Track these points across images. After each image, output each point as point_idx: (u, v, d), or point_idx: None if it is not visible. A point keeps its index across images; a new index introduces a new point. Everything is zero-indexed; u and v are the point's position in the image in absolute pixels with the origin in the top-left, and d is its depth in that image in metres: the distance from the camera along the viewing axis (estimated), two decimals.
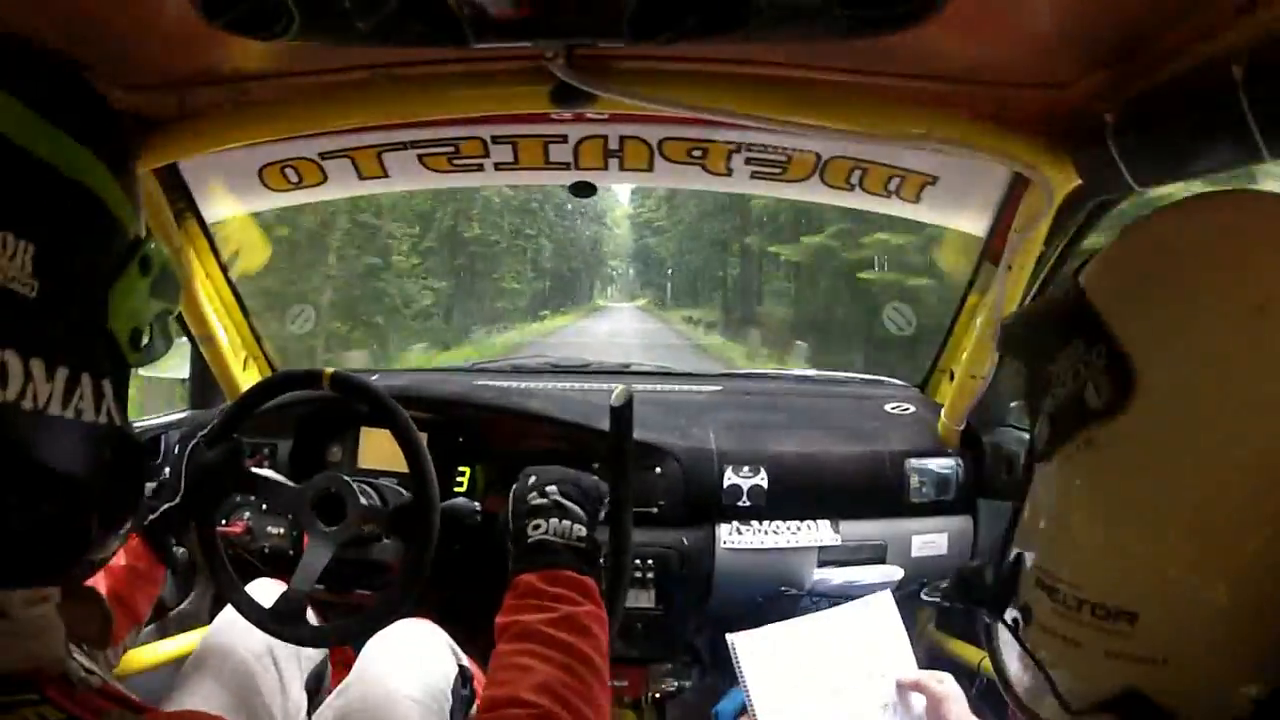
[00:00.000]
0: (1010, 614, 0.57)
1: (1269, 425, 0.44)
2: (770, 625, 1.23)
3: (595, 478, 0.99)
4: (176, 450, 1.09)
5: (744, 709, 1.17)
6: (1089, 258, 0.56)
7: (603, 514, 0.97)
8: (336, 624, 1.11)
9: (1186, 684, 0.47)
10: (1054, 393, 0.53)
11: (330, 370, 1.13)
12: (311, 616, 1.26)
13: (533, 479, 0.96)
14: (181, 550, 1.08)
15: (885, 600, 1.30)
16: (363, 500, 1.16)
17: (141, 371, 1.67)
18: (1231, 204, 0.53)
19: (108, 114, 0.59)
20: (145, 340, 0.57)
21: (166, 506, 1.06)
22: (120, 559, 1.03)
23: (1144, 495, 0.48)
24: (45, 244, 0.49)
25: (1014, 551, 0.58)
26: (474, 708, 1.13)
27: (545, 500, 0.92)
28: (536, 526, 0.88)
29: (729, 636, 1.20)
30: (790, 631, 1.23)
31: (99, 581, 0.99)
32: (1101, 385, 0.49)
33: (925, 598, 1.40)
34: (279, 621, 1.08)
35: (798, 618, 1.27)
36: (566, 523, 0.90)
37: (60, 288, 0.50)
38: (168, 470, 1.09)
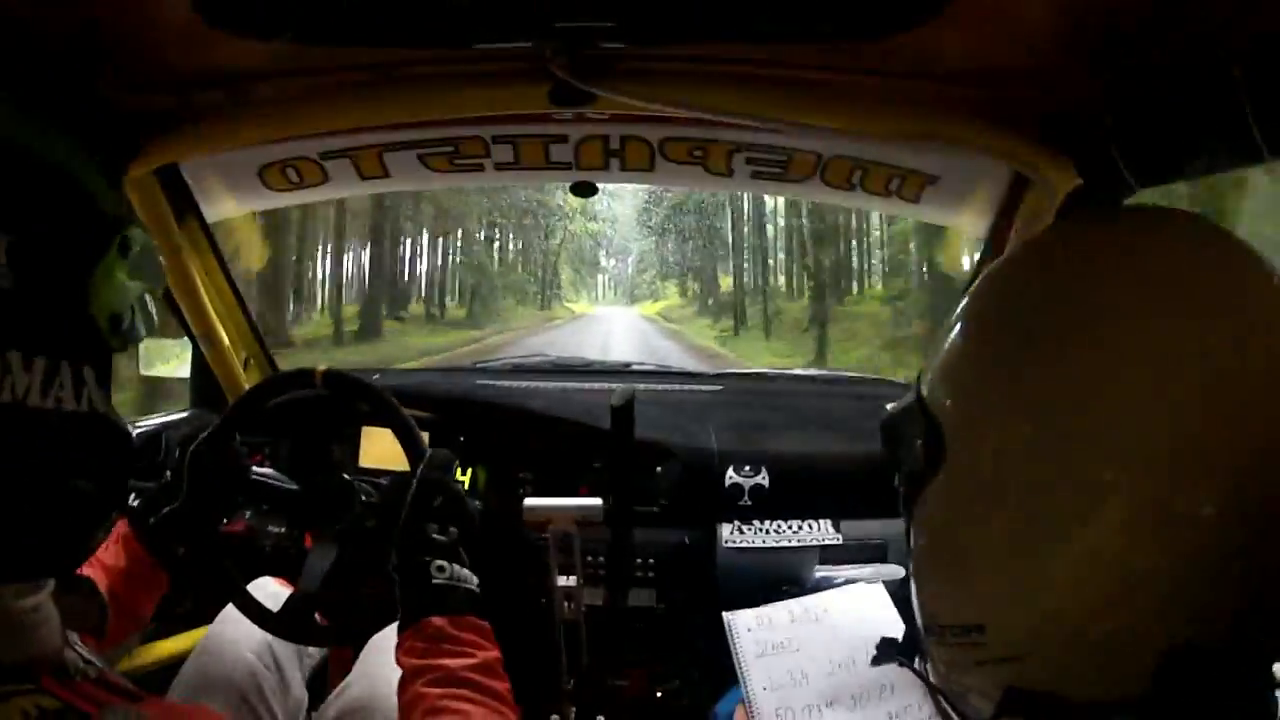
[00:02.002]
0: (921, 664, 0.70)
1: (1042, 468, 0.53)
2: (767, 605, 1.23)
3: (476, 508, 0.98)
4: (177, 454, 1.09)
5: (739, 709, 1.16)
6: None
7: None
8: (338, 623, 1.11)
9: (1052, 669, 0.54)
10: (903, 469, 0.65)
11: (323, 368, 1.13)
12: (314, 615, 1.26)
13: (438, 501, 0.95)
14: (182, 552, 1.08)
15: (876, 587, 1.30)
16: (364, 500, 1.16)
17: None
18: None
19: (86, 97, 0.58)
20: (126, 324, 0.57)
21: (168, 510, 1.06)
22: (122, 562, 1.03)
23: (969, 525, 0.58)
24: (20, 234, 0.48)
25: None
26: None
27: (446, 539, 0.92)
28: (440, 569, 0.88)
29: (725, 615, 1.20)
30: (787, 611, 1.23)
31: (100, 583, 0.99)
32: (921, 448, 0.61)
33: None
34: (288, 624, 1.08)
35: (797, 599, 1.26)
36: (465, 571, 0.90)
37: (37, 276, 0.49)
38: (169, 473, 1.09)
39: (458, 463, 1.02)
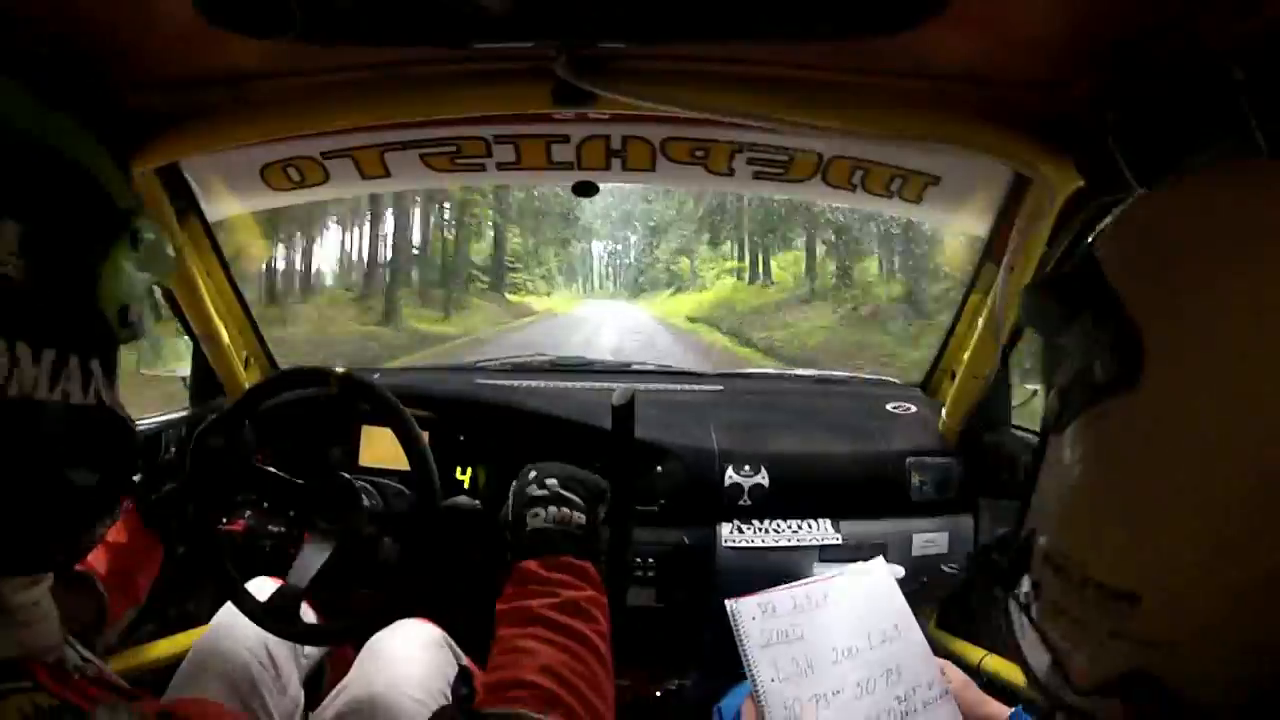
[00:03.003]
0: (1023, 590, 0.56)
1: (1277, 415, 0.41)
2: (770, 590, 1.23)
3: (596, 475, 0.98)
4: (185, 431, 1.09)
5: (747, 701, 1.16)
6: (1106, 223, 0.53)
7: (603, 510, 0.97)
8: (336, 623, 1.11)
9: (1196, 668, 0.45)
10: (1065, 365, 0.52)
11: (339, 370, 1.13)
12: (312, 615, 1.26)
13: (533, 473, 0.96)
14: (181, 551, 1.08)
15: (881, 567, 1.30)
16: (365, 500, 1.16)
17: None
18: (1266, 179, 0.50)
19: (97, 87, 0.58)
20: (134, 316, 0.57)
21: (169, 487, 1.06)
22: (120, 537, 1.03)
23: (1149, 475, 0.46)
24: (31, 224, 0.48)
25: (1027, 527, 0.56)
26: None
27: (544, 491, 0.92)
28: (535, 515, 0.89)
29: (727, 603, 1.20)
30: (790, 597, 1.22)
31: (98, 560, 0.99)
32: (1108, 359, 0.47)
33: (945, 570, 1.40)
34: (274, 617, 1.08)
35: (798, 583, 1.26)
36: (565, 510, 0.90)
37: (48, 267, 0.49)
38: (173, 450, 1.09)
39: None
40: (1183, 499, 0.44)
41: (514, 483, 0.97)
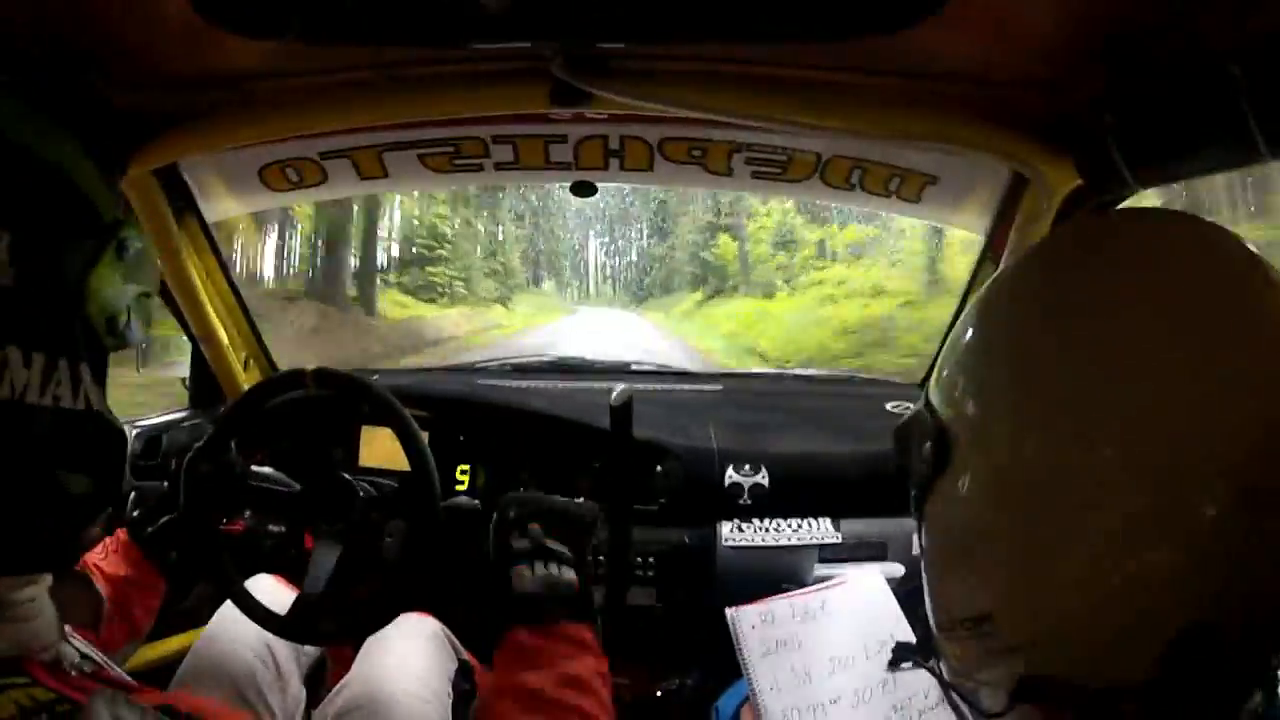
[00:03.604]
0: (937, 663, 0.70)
1: (1047, 466, 0.54)
2: (768, 599, 1.23)
3: (582, 502, 0.95)
4: (174, 465, 1.09)
5: (745, 703, 1.16)
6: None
7: (593, 543, 0.94)
8: (337, 621, 1.11)
9: (1069, 656, 0.55)
10: (914, 471, 0.66)
11: (312, 369, 1.13)
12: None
13: (512, 513, 0.91)
14: (174, 556, 1.09)
15: (877, 575, 1.31)
16: (364, 500, 1.16)
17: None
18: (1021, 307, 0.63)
19: (86, 97, 0.58)
20: (123, 324, 0.57)
21: (166, 520, 1.06)
22: (120, 570, 1.03)
23: (972, 521, 0.60)
24: (21, 233, 0.48)
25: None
26: (474, 703, 1.13)
27: (527, 543, 0.88)
28: (521, 575, 0.84)
29: (727, 611, 1.20)
30: (788, 606, 1.23)
31: (101, 591, 0.99)
32: (929, 450, 0.63)
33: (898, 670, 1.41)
34: (297, 627, 1.08)
35: (796, 591, 1.27)
36: (553, 568, 0.86)
37: (37, 275, 0.50)
38: (166, 484, 1.09)
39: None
40: (1002, 535, 0.57)
41: (494, 520, 0.93)
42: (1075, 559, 0.53)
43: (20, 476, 0.49)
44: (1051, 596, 0.54)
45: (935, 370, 0.67)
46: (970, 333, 0.64)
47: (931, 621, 0.66)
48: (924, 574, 0.67)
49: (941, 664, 0.69)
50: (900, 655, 1.05)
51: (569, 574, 0.86)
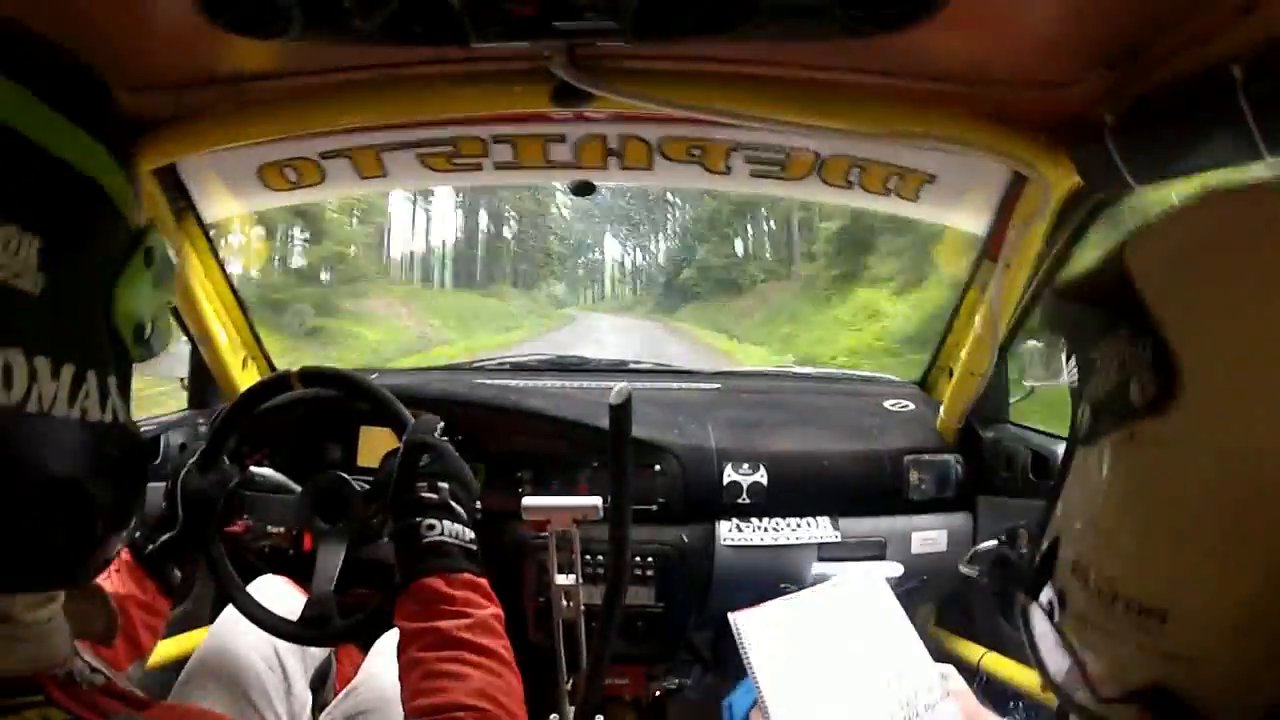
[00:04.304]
0: (1045, 597, 0.56)
1: None
2: (771, 602, 1.23)
3: (470, 469, 1.00)
4: (169, 484, 1.09)
5: (755, 705, 1.16)
6: (1135, 231, 0.52)
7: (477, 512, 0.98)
8: (342, 623, 1.11)
9: (1215, 683, 0.46)
10: (1096, 380, 0.51)
11: (297, 369, 1.13)
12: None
13: (424, 461, 0.95)
14: (179, 575, 1.08)
15: (877, 573, 1.31)
16: (363, 499, 1.16)
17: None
18: None
19: (112, 105, 0.58)
20: (148, 333, 0.56)
21: (165, 538, 1.06)
22: (123, 589, 1.03)
23: (1182, 496, 0.46)
24: (51, 238, 0.47)
25: (1051, 534, 0.57)
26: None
27: (436, 497, 0.92)
28: (431, 527, 0.89)
29: (731, 616, 1.20)
30: (792, 608, 1.23)
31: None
32: (1145, 381, 0.46)
33: (963, 570, 1.40)
34: (309, 632, 1.07)
35: (797, 594, 1.27)
36: (458, 526, 0.90)
37: (66, 283, 0.49)
38: (163, 503, 1.09)
39: (443, 424, 1.02)
40: (1213, 522, 0.45)
41: (399, 458, 0.96)
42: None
43: (45, 492, 0.48)
44: (1248, 613, 0.44)
45: (1149, 242, 0.51)
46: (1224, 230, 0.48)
47: (1066, 564, 0.54)
48: (1084, 520, 0.53)
49: (1036, 606, 0.57)
50: (1004, 569, 0.87)
51: (469, 532, 0.91)
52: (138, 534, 1.07)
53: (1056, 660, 0.55)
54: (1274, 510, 0.43)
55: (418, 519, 0.90)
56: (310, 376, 1.13)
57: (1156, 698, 0.47)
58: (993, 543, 1.32)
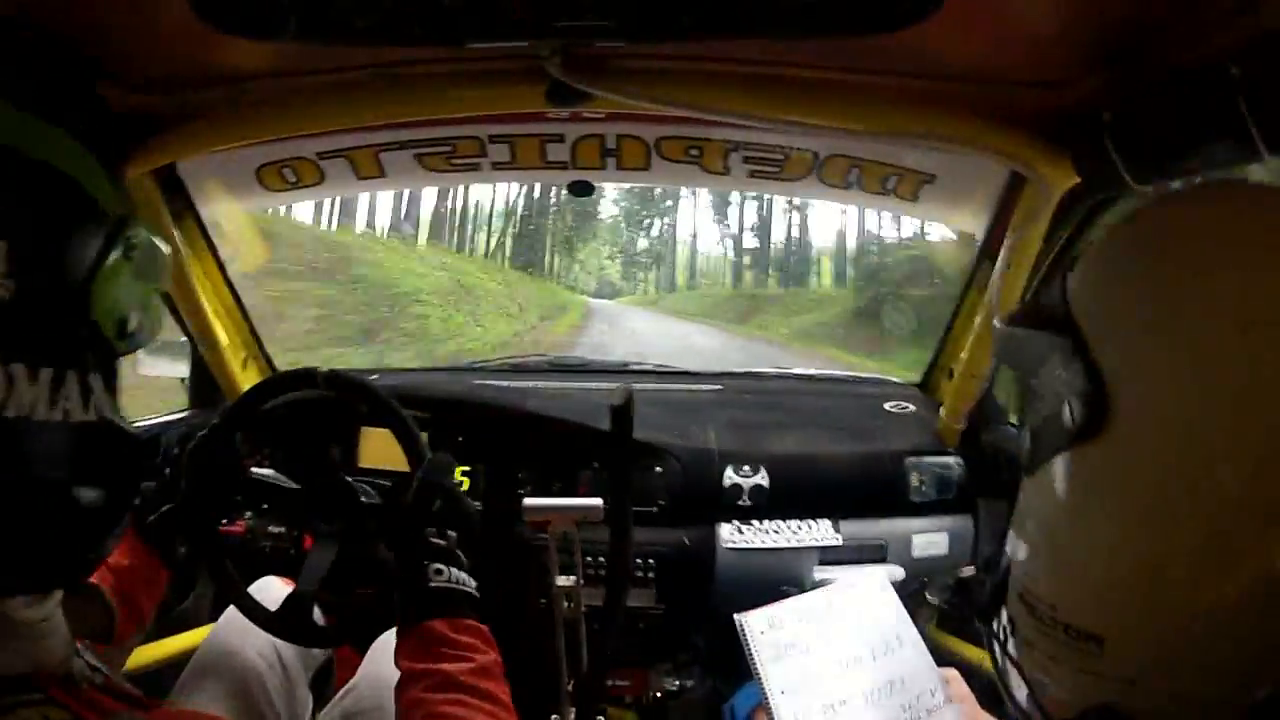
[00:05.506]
0: (999, 623, 0.58)
1: (1242, 465, 0.42)
2: (775, 604, 1.23)
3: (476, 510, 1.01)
4: (176, 451, 1.09)
5: (758, 706, 1.16)
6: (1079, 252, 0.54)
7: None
8: (342, 624, 1.11)
9: (1155, 701, 0.47)
10: (1037, 406, 0.52)
11: (325, 369, 1.13)
12: (318, 617, 1.26)
13: (437, 505, 0.97)
14: (183, 550, 1.08)
15: (880, 576, 1.31)
16: (363, 500, 1.15)
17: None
18: (1222, 200, 0.50)
19: (86, 94, 0.57)
20: (133, 327, 0.56)
21: (167, 508, 1.05)
22: (123, 561, 1.03)
23: (1113, 522, 0.47)
24: (22, 240, 0.47)
25: (1005, 562, 0.58)
26: None
27: (444, 544, 0.94)
28: (438, 572, 0.90)
29: (737, 617, 1.20)
30: (795, 610, 1.23)
31: (105, 581, 0.99)
32: (1077, 407, 0.47)
33: (929, 599, 1.40)
34: (286, 623, 1.08)
35: (802, 594, 1.27)
36: (463, 574, 0.92)
37: (39, 284, 0.48)
38: (168, 470, 1.09)
39: (457, 466, 1.02)
40: (1142, 546, 0.46)
41: (414, 495, 0.96)
42: (1229, 595, 0.43)
43: (33, 495, 0.48)
44: (1182, 637, 0.45)
45: (1083, 268, 0.51)
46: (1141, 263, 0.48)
47: (1014, 590, 0.54)
48: (1028, 544, 0.54)
49: (1001, 629, 0.58)
50: (950, 598, 0.88)
51: (471, 581, 0.93)
52: (136, 503, 1.07)
53: (1016, 684, 0.57)
54: (1206, 544, 0.43)
55: (425, 562, 0.91)
56: (336, 381, 1.12)
57: (1106, 717, 0.48)
58: (970, 569, 1.32)
